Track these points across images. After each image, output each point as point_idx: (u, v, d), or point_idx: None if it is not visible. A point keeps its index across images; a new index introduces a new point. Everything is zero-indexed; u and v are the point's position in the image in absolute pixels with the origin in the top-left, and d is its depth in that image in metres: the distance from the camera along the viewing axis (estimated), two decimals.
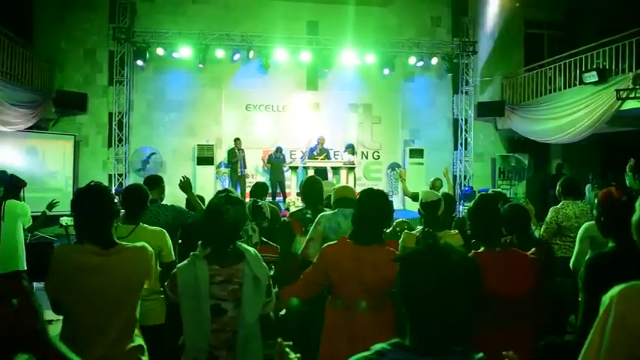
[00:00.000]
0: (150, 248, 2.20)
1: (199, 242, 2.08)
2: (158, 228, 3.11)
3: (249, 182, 10.20)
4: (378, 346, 1.16)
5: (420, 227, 3.38)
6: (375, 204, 2.40)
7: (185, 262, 2.06)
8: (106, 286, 2.00)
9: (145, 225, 3.09)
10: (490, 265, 2.01)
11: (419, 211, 3.37)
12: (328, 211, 3.43)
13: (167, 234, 3.11)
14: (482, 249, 2.33)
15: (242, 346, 1.98)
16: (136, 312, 2.14)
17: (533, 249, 2.57)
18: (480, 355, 1.13)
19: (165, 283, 2.05)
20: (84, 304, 2.02)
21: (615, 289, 1.20)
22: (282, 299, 2.34)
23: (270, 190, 11.01)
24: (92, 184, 2.15)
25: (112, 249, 2.06)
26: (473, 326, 1.14)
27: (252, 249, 2.13)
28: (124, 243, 2.14)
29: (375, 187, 2.62)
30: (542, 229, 4.46)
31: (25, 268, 4.96)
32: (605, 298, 1.20)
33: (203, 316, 1.95)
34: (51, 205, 5.14)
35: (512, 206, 3.34)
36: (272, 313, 2.20)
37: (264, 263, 2.09)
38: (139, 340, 2.14)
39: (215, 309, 1.97)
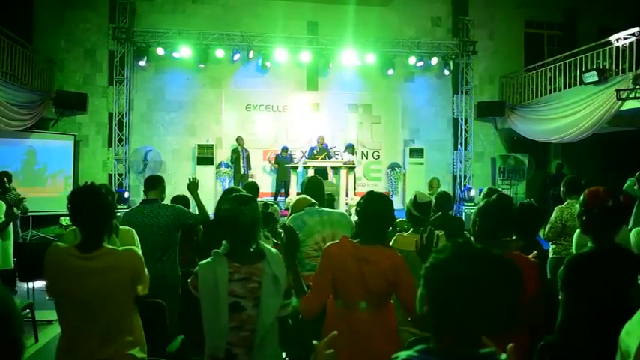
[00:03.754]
0: (139, 252, 2.19)
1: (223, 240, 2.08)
2: (127, 227, 3.08)
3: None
4: (403, 354, 1.13)
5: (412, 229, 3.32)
6: (378, 205, 2.39)
7: (207, 259, 2.06)
8: (85, 290, 1.99)
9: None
10: None
11: (410, 212, 3.34)
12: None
13: (135, 233, 3.08)
14: None
15: (259, 345, 1.98)
16: (126, 317, 2.10)
17: (535, 252, 2.55)
18: (504, 356, 1.11)
19: (189, 280, 2.07)
20: (67, 306, 2.03)
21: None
22: (306, 313, 2.25)
23: (275, 190, 11.08)
24: (87, 184, 2.13)
25: (93, 252, 2.03)
26: (506, 325, 1.10)
27: (274, 250, 2.13)
28: (109, 247, 2.10)
29: (375, 188, 2.62)
30: (546, 229, 4.45)
31: (12, 267, 5.08)
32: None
33: (221, 312, 1.96)
34: (17, 202, 5.22)
35: (527, 206, 3.28)
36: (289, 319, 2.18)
37: (284, 264, 2.10)
38: (134, 350, 2.09)
39: (233, 306, 1.97)
